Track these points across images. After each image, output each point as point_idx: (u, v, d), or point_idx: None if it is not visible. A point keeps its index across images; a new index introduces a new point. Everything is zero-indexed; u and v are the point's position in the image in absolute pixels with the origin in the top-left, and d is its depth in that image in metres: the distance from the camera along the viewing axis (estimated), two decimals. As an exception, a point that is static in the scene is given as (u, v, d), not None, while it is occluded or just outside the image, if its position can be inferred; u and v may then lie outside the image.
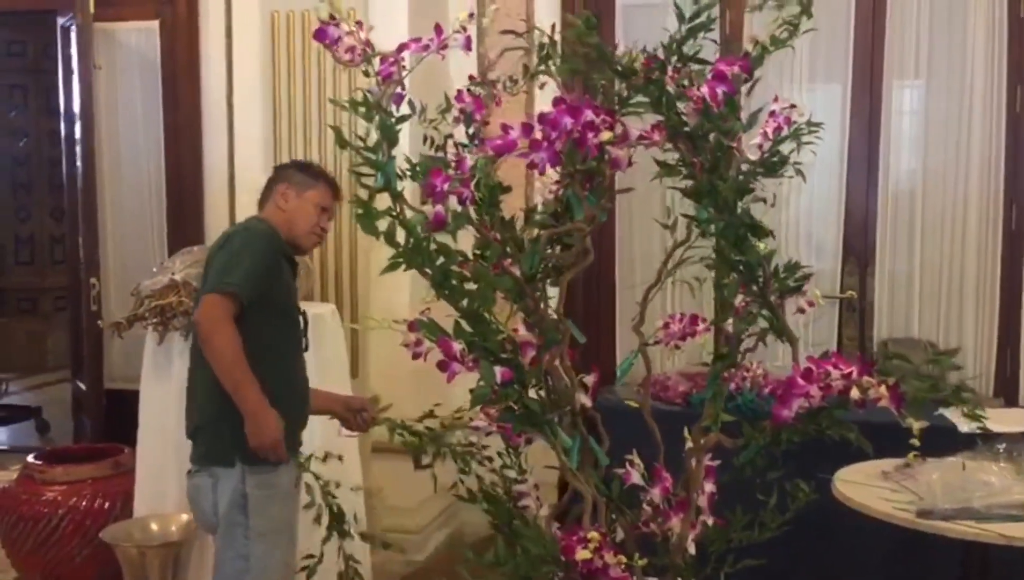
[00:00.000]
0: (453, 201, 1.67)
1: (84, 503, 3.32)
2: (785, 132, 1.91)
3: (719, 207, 1.64)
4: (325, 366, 3.26)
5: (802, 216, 4.06)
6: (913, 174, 4.00)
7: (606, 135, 1.43)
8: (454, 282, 1.70)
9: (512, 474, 2.13)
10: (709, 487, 1.94)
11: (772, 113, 1.91)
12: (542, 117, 1.50)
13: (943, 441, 2.86)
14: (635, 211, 4.17)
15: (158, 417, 3.13)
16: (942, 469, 2.41)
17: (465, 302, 1.70)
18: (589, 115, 1.43)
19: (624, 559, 1.56)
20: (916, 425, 1.52)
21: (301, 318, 2.64)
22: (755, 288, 1.70)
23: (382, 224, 1.69)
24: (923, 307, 3.97)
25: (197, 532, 2.97)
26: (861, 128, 3.99)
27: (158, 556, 2.88)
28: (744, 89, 1.79)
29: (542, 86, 1.69)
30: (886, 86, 3.95)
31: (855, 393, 1.55)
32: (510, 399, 1.69)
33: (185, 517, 2.99)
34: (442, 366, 1.66)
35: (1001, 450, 2.73)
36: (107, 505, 3.30)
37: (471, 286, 1.73)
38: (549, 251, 1.87)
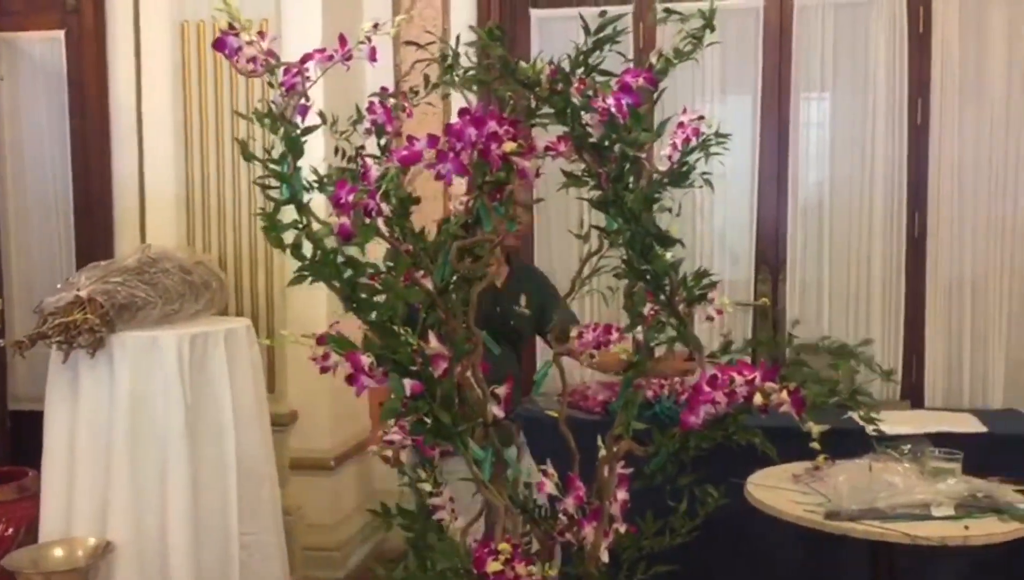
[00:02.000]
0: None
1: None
2: (693, 143, 1.95)
3: (626, 217, 1.66)
4: (241, 382, 3.20)
5: (716, 227, 4.14)
6: (821, 185, 4.11)
7: (509, 146, 1.43)
8: (363, 295, 1.69)
9: (427, 487, 2.12)
10: (622, 495, 1.95)
11: (681, 125, 1.94)
12: (448, 128, 1.50)
13: (852, 444, 2.94)
14: (552, 222, 4.21)
15: (64, 438, 3.03)
16: (849, 471, 2.48)
17: (374, 315, 1.68)
18: (493, 126, 1.44)
19: (536, 570, 1.56)
20: (816, 429, 1.55)
21: None
22: (662, 297, 1.72)
23: (288, 237, 1.66)
24: (832, 313, 4.08)
25: (105, 556, 2.88)
26: (771, 140, 4.09)
27: (64, 582, 2.79)
28: (653, 100, 1.82)
29: (445, 97, 1.69)
30: (794, 99, 4.06)
31: (758, 398, 1.58)
32: (420, 412, 1.67)
33: (92, 541, 2.89)
34: (350, 380, 1.64)
35: (906, 451, 2.81)
36: (10, 531, 3.18)
37: (381, 298, 1.71)
38: (461, 262, 1.87)
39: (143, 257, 3.26)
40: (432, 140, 1.53)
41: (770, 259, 4.12)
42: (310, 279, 1.59)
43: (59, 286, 3.16)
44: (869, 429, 3.32)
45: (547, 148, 1.64)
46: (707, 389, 1.65)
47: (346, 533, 4.01)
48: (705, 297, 1.73)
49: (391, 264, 1.81)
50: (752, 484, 2.72)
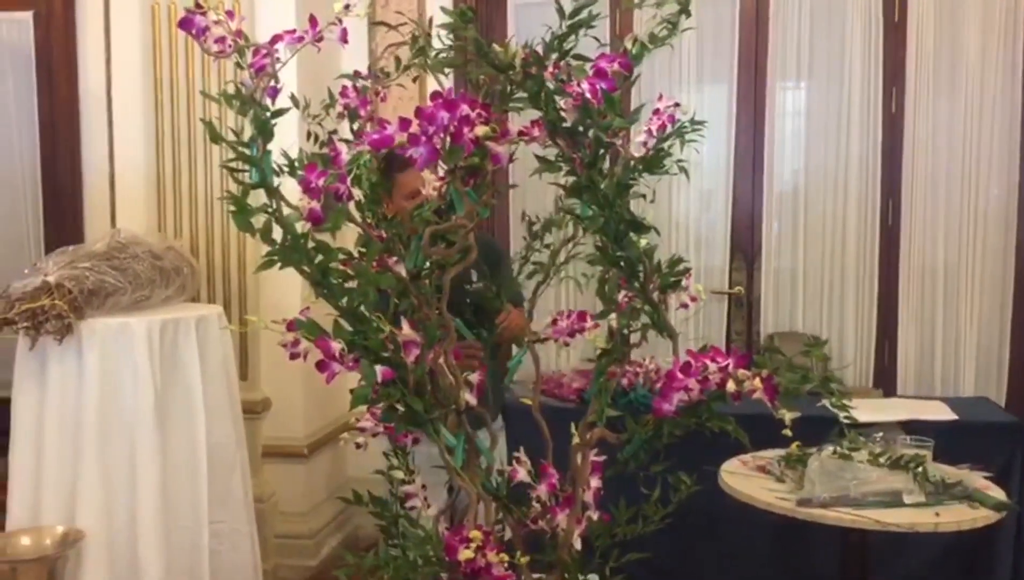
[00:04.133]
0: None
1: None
2: (669, 129, 1.94)
3: (600, 203, 1.64)
4: (212, 369, 3.17)
5: (691, 214, 4.15)
6: (796, 173, 4.12)
7: (482, 129, 1.42)
8: (333, 280, 1.67)
9: (399, 475, 2.10)
10: (595, 482, 1.94)
11: (656, 111, 1.93)
12: (420, 111, 1.48)
13: (825, 431, 2.96)
14: (529, 208, 4.18)
15: (32, 426, 2.98)
16: (821, 459, 2.48)
17: (344, 300, 1.66)
18: (465, 109, 1.42)
19: (507, 557, 1.55)
20: (788, 416, 1.55)
21: None
22: (636, 283, 1.71)
23: (258, 221, 1.64)
24: (806, 301, 4.10)
25: (73, 545, 2.84)
26: (747, 128, 4.10)
27: (31, 571, 2.74)
28: (628, 86, 1.80)
29: (416, 79, 1.67)
30: (770, 87, 4.06)
31: (731, 386, 1.58)
32: (392, 399, 1.65)
33: (61, 530, 2.86)
34: (321, 366, 1.62)
35: (878, 438, 2.83)
36: (-23, 519, 3.13)
37: (352, 284, 1.70)
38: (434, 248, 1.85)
39: (112, 242, 3.21)
40: (404, 124, 1.51)
41: (745, 247, 4.13)
42: (279, 264, 1.57)
43: (26, 271, 3.10)
44: (841, 417, 3.35)
45: (520, 133, 1.63)
46: (680, 376, 1.65)
47: (319, 521, 3.99)
48: (679, 284, 1.72)
49: (363, 249, 1.79)
50: (725, 471, 2.73)
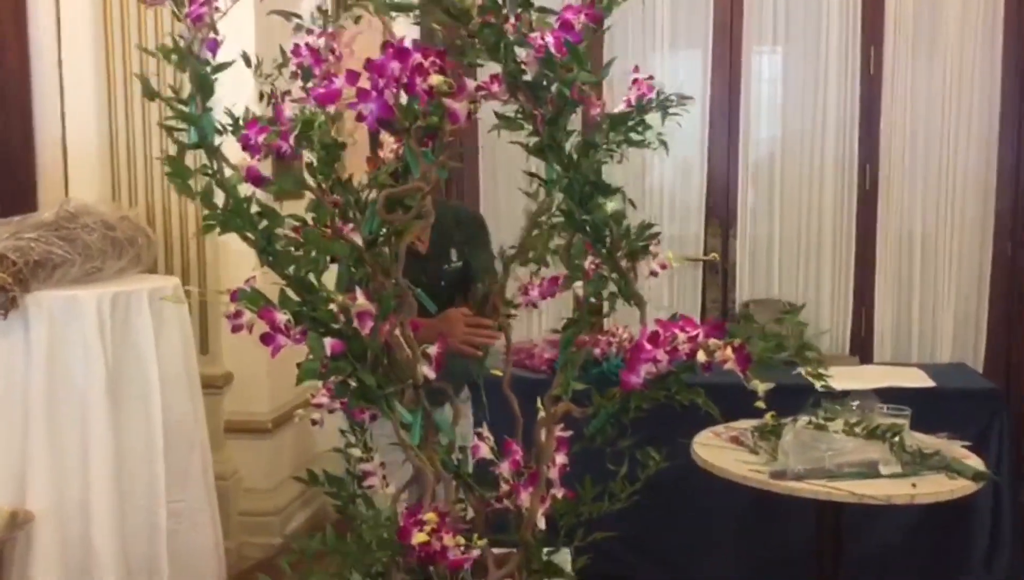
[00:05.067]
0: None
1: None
2: (651, 100, 1.84)
3: (563, 164, 1.54)
4: (168, 343, 3.05)
5: (666, 180, 4.05)
6: (772, 139, 4.04)
7: (436, 79, 1.30)
8: (279, 247, 1.56)
9: (357, 452, 2.01)
10: (560, 459, 1.85)
11: (635, 81, 1.82)
12: (369, 63, 1.37)
13: (800, 401, 2.89)
14: (499, 170, 4.07)
15: (-22, 403, 2.86)
16: (795, 430, 2.41)
17: (292, 269, 1.55)
18: (418, 58, 1.30)
19: (464, 541, 1.46)
20: (761, 387, 1.46)
21: None
22: (603, 249, 1.61)
23: (197, 183, 1.52)
24: (783, 268, 4.03)
25: (23, 526, 2.73)
26: (722, 94, 4.00)
27: (-22, 554, 2.64)
28: (599, 41, 1.69)
29: (357, 20, 1.55)
30: (745, 52, 3.96)
31: (701, 356, 1.49)
32: (343, 373, 1.55)
33: (9, 511, 2.74)
34: (265, 339, 1.51)
35: (854, 407, 2.76)
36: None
37: (302, 252, 1.59)
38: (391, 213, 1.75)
39: (61, 212, 3.07)
40: (352, 77, 1.40)
41: (720, 213, 4.05)
42: (219, 230, 1.46)
43: (-30, 243, 2.96)
44: (817, 385, 3.28)
45: (479, 88, 1.52)
46: (648, 347, 1.55)
47: (284, 498, 3.89)
48: (647, 249, 1.62)
49: (313, 214, 1.68)
50: (698, 444, 2.65)
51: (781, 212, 4.00)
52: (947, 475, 2.37)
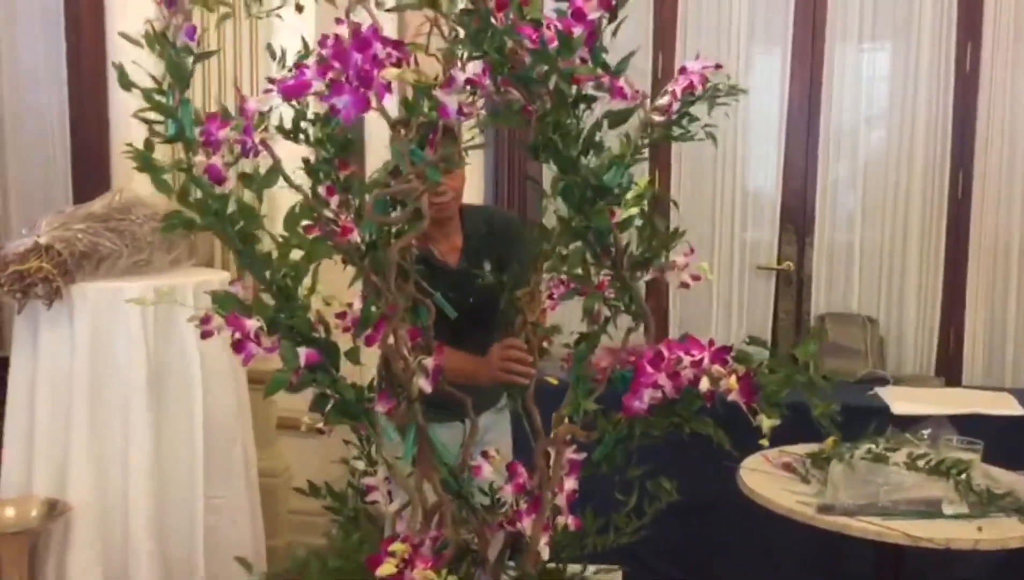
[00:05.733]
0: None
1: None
2: (699, 92, 1.69)
3: (562, 165, 1.41)
4: (214, 338, 3.01)
5: (738, 183, 3.82)
6: (856, 141, 3.78)
7: (391, 72, 1.18)
8: (257, 249, 1.47)
9: (361, 465, 1.92)
10: (570, 484, 1.71)
11: (683, 70, 1.67)
12: (335, 52, 1.26)
13: (875, 423, 2.68)
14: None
15: (25, 392, 2.88)
16: (847, 461, 2.20)
17: (268, 273, 1.46)
18: (377, 48, 1.18)
19: (432, 575, 1.34)
20: (767, 423, 1.29)
21: None
22: (607, 260, 1.47)
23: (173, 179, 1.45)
24: (863, 280, 3.76)
25: (59, 517, 2.73)
26: (802, 92, 3.76)
27: (12, 544, 2.64)
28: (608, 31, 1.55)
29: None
30: (828, 48, 3.71)
31: (705, 383, 1.33)
32: (322, 385, 1.45)
33: (47, 501, 2.75)
34: (236, 347, 1.43)
35: (924, 435, 2.53)
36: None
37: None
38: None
39: (113, 203, 3.08)
40: (324, 68, 1.29)
41: (797, 219, 3.80)
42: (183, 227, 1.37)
43: (24, 232, 2.99)
44: (907, 409, 3.04)
45: (468, 81, 1.39)
46: (650, 370, 1.40)
47: (336, 497, 3.84)
48: (649, 261, 1.47)
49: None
50: (746, 469, 2.46)
51: (863, 219, 3.74)
52: (1020, 519, 2.13)
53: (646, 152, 1.66)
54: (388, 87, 1.19)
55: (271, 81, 1.30)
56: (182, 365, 2.94)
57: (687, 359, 1.36)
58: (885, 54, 3.71)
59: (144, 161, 1.37)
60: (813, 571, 3.05)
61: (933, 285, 3.71)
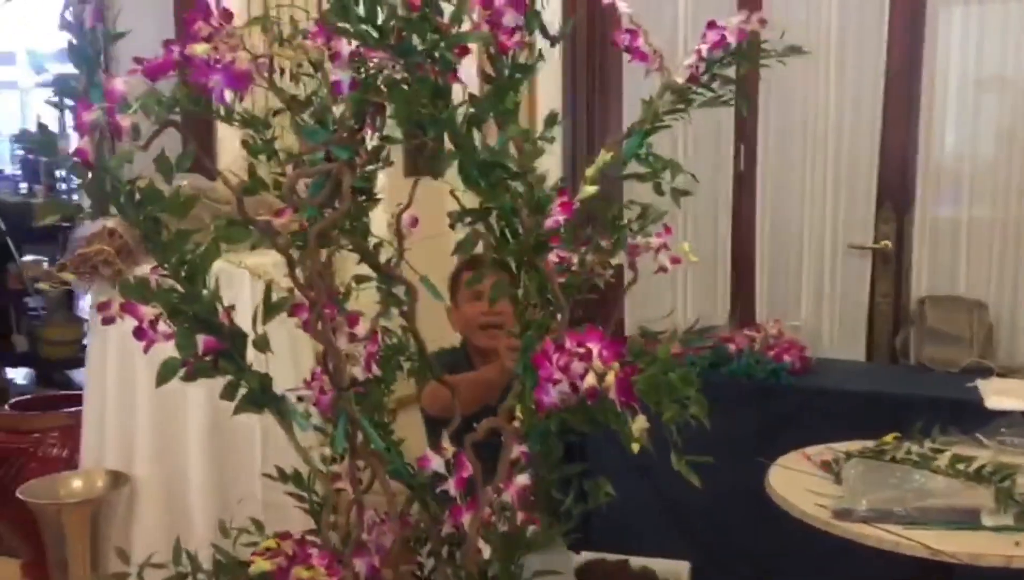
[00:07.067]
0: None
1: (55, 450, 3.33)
2: (731, 47, 1.56)
3: (454, 141, 1.31)
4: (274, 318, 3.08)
5: (830, 153, 3.53)
6: (962, 108, 3.41)
7: (200, 48, 1.12)
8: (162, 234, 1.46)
9: (327, 451, 1.88)
10: (522, 479, 1.62)
11: (712, 24, 1.53)
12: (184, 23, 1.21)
13: (970, 419, 2.45)
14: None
15: (99, 370, 3.04)
16: (866, 463, 1.98)
17: (175, 259, 1.45)
18: (199, 25, 1.13)
19: (313, 575, 1.28)
20: (637, 427, 1.15)
21: None
22: (508, 243, 1.36)
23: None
24: (970, 261, 3.40)
25: (120, 488, 2.87)
26: (902, 54, 3.43)
27: (75, 513, 2.79)
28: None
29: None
30: (931, 9, 3.36)
31: (590, 379, 1.21)
32: (216, 374, 1.43)
33: (111, 473, 2.89)
34: (138, 334, 1.42)
35: (1004, 431, 2.27)
36: (65, 454, 3.28)
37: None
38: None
39: (182, 189, 3.18)
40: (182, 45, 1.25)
41: (895, 195, 3.48)
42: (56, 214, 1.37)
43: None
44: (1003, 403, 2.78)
45: (353, 55, 1.32)
46: (547, 364, 1.29)
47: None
48: (547, 246, 1.34)
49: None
50: (779, 466, 2.26)
51: (970, 194, 3.37)
52: (1075, 535, 1.85)
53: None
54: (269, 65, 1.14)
55: (137, 61, 1.27)
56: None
57: (579, 351, 1.24)
58: (998, 7, 3.32)
59: (40, 145, 1.38)
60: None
61: (1051, 267, 3.32)
